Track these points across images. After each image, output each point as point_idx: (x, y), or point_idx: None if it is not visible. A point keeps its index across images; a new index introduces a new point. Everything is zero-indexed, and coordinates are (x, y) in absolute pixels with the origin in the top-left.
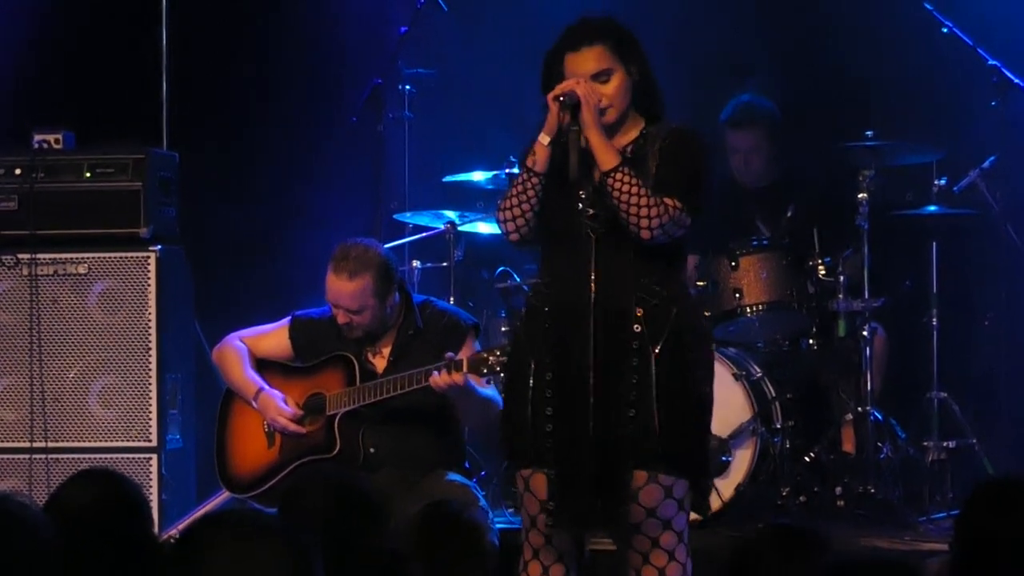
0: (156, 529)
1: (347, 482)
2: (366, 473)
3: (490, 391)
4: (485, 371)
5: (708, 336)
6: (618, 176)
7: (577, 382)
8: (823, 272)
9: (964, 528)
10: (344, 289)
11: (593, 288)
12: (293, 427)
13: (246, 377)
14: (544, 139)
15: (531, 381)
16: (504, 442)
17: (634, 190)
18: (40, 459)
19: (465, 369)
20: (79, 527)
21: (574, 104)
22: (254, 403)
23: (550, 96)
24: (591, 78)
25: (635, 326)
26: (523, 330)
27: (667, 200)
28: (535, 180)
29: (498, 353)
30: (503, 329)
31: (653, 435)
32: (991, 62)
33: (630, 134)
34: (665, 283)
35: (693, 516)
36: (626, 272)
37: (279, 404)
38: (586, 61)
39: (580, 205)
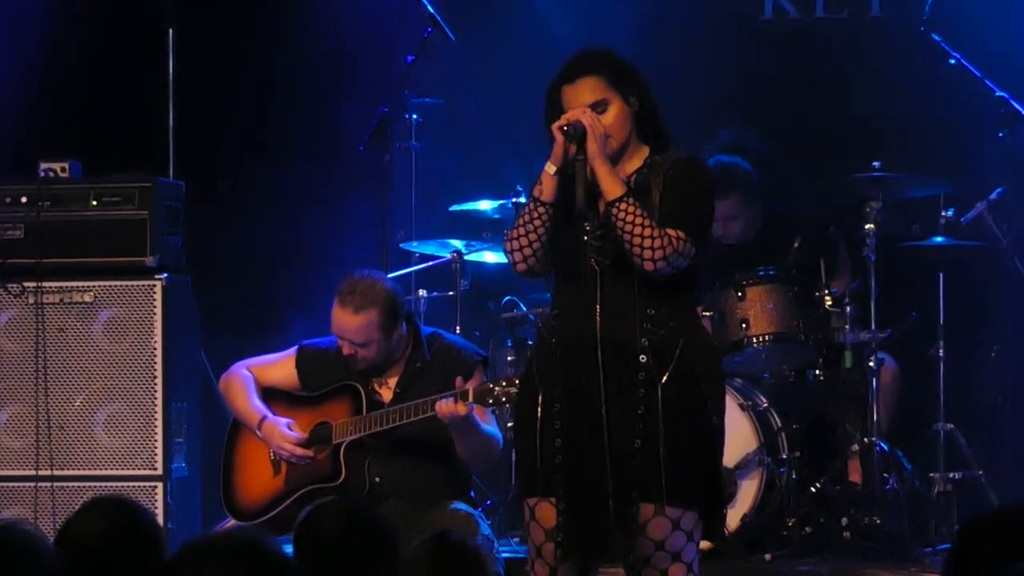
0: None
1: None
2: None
3: (492, 428)
4: (491, 401)
5: (719, 367)
6: (622, 206)
7: (585, 414)
8: (829, 303)
9: (955, 562)
10: (350, 323)
11: (599, 320)
12: (300, 452)
13: (251, 406)
14: (551, 169)
15: (539, 411)
16: (517, 471)
17: (638, 220)
18: (46, 487)
19: (471, 399)
20: (92, 555)
21: (580, 134)
22: (258, 431)
23: (555, 126)
24: (588, 108)
25: (641, 357)
26: (534, 361)
27: (671, 232)
28: (542, 210)
29: (504, 384)
30: (509, 359)
31: (659, 467)
32: (999, 93)
33: (634, 163)
34: (672, 314)
35: (707, 544)
36: (631, 304)
37: (283, 430)
38: (582, 93)
39: (584, 236)
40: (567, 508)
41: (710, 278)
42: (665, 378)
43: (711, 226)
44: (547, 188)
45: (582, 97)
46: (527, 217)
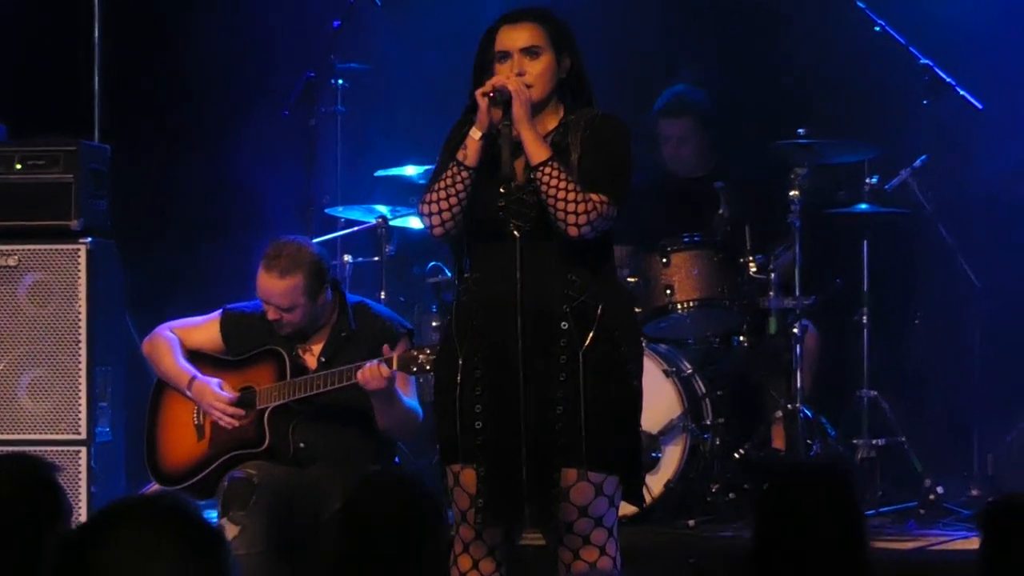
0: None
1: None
2: (296, 468)
3: (412, 402)
4: (415, 369)
5: (638, 328)
6: (547, 171)
7: (506, 380)
8: (754, 269)
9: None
10: (275, 287)
11: (519, 286)
12: (231, 410)
13: (178, 367)
14: (476, 134)
15: (459, 377)
16: (437, 437)
17: (562, 185)
18: None
19: (395, 366)
20: None
21: (505, 100)
22: (188, 391)
23: (479, 92)
24: (520, 51)
25: (562, 323)
26: (453, 325)
27: (593, 196)
28: (465, 174)
29: (428, 352)
30: (434, 324)
31: (581, 433)
32: (923, 61)
33: (550, 123)
34: (592, 279)
35: (631, 509)
36: (552, 269)
37: (214, 389)
38: (520, 35)
39: (503, 201)
40: (488, 474)
41: (655, 216)
42: (586, 343)
43: (630, 184)
44: (471, 153)
45: (519, 40)
46: (449, 181)
